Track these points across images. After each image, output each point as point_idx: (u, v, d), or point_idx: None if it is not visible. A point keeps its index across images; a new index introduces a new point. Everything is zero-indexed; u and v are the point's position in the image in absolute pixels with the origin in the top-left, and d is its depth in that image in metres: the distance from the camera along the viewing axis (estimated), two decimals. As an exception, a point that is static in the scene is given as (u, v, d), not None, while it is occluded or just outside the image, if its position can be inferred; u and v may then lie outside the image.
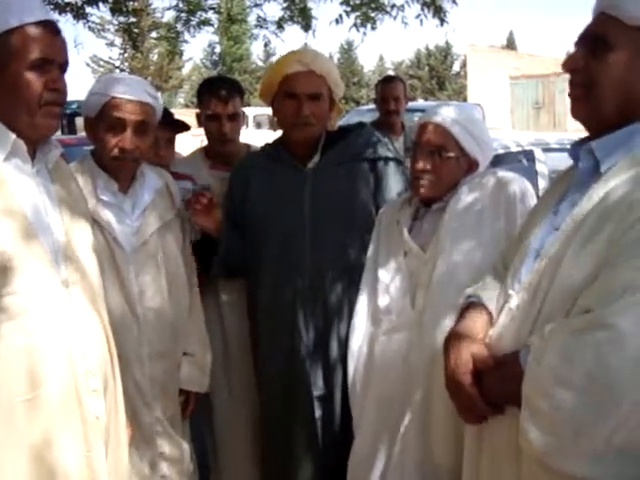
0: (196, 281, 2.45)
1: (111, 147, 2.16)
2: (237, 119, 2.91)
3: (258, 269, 2.51)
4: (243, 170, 2.62)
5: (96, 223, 2.06)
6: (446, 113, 2.14)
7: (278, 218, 2.45)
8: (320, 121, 2.44)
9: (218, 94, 2.85)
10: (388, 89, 4.90)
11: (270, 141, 2.65)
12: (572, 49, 1.52)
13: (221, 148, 2.92)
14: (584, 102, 1.48)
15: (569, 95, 1.51)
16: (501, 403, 1.47)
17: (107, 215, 2.17)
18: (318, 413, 2.44)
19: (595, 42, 1.44)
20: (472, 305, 1.69)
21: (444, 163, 2.12)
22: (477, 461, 1.60)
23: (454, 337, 1.61)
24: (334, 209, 2.41)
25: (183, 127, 2.91)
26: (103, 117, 2.16)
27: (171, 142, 2.90)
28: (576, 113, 1.51)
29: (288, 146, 2.51)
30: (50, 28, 1.61)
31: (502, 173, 2.19)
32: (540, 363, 1.29)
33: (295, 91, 2.39)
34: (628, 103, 1.42)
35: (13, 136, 1.58)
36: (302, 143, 2.47)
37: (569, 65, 1.49)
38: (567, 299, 1.36)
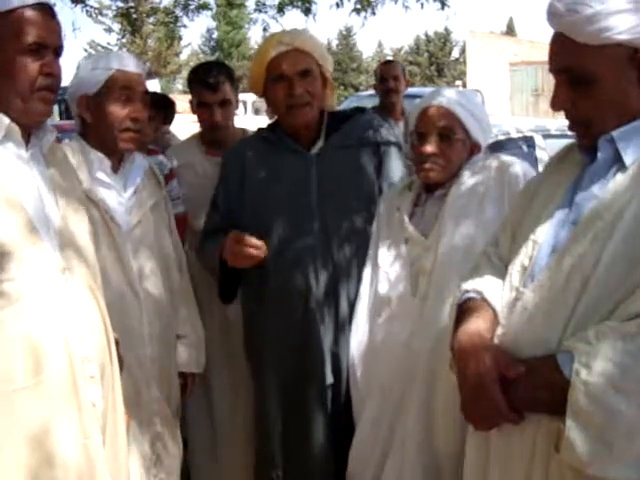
0: (185, 261, 2.44)
1: (122, 118, 2.13)
2: (228, 105, 2.87)
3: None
4: (238, 157, 2.52)
5: (92, 202, 2.04)
6: (448, 95, 2.13)
7: (285, 204, 2.37)
8: (315, 99, 2.35)
9: (206, 82, 2.81)
10: (386, 69, 4.95)
11: (264, 126, 2.57)
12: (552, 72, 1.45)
13: (213, 135, 2.90)
14: (587, 138, 1.44)
15: (569, 128, 1.47)
16: (528, 411, 1.38)
17: (103, 194, 2.14)
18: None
19: (575, 78, 1.39)
20: (472, 301, 1.58)
21: (452, 146, 2.10)
22: (484, 465, 1.54)
23: (468, 340, 1.48)
24: (341, 193, 2.35)
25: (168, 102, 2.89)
26: (109, 91, 2.12)
27: (150, 119, 2.88)
28: (583, 144, 1.47)
29: (288, 131, 2.42)
30: (46, 12, 1.60)
31: (504, 157, 2.17)
32: (591, 370, 1.22)
33: (283, 72, 2.29)
34: (629, 112, 1.38)
35: (7, 120, 1.56)
36: (302, 126, 2.38)
37: (557, 107, 1.45)
38: (608, 302, 1.29)
